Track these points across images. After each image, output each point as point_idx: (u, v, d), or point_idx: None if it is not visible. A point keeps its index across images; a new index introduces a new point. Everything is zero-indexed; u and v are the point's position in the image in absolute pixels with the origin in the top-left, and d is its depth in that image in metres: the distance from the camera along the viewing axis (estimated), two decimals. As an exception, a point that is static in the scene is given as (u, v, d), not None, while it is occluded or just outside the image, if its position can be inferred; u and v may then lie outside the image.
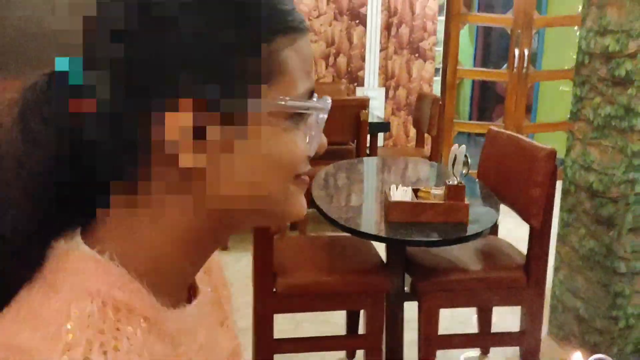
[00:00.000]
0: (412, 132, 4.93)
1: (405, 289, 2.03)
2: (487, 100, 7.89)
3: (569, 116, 2.51)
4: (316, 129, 0.50)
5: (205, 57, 0.42)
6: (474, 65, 7.44)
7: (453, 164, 1.66)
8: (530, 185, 1.94)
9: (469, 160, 1.68)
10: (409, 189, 1.71)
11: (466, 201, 1.68)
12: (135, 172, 0.44)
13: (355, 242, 2.17)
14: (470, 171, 1.78)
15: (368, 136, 3.76)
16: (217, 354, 0.56)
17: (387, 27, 5.06)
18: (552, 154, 1.90)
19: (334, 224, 1.70)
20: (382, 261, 2.03)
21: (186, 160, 0.43)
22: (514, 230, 2.75)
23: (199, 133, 0.43)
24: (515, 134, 2.21)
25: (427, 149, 4.16)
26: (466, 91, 7.70)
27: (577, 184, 2.42)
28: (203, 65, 0.42)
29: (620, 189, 2.16)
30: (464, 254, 2.10)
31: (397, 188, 1.72)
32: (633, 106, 2.11)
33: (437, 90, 5.21)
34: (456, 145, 1.69)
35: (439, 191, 1.71)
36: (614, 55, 2.18)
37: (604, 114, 2.25)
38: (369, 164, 2.54)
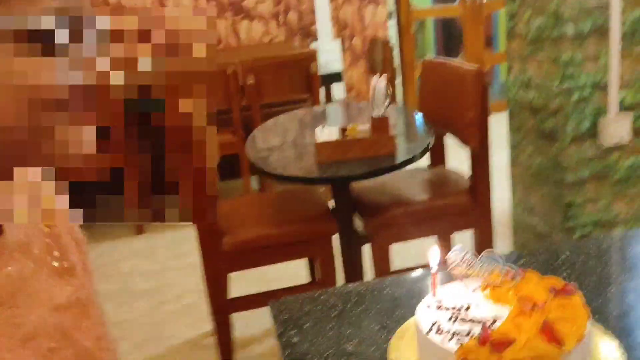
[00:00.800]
0: (372, 79, 4.86)
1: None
2: (451, 39, 7.78)
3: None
4: None
5: None
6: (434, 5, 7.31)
7: (373, 97, 1.63)
8: (464, 108, 1.92)
9: (389, 92, 1.65)
10: (335, 128, 1.68)
11: (392, 133, 1.65)
12: None
13: (301, 193, 2.15)
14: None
15: (323, 89, 3.71)
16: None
17: (332, -24, 4.94)
18: (480, 73, 1.87)
19: (264, 174, 1.67)
20: (328, 207, 2.02)
21: None
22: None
23: None
24: (445, 60, 2.18)
25: (386, 93, 4.11)
26: (429, 33, 7.59)
27: (520, 103, 2.40)
28: None
29: (557, 101, 2.14)
30: (411, 187, 2.10)
31: (323, 129, 1.69)
32: (561, 13, 2.06)
33: (393, 35, 5.12)
34: (376, 76, 1.65)
35: (366, 126, 1.68)
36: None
37: (535, 26, 2.21)
38: (310, 113, 2.51)
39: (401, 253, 2.23)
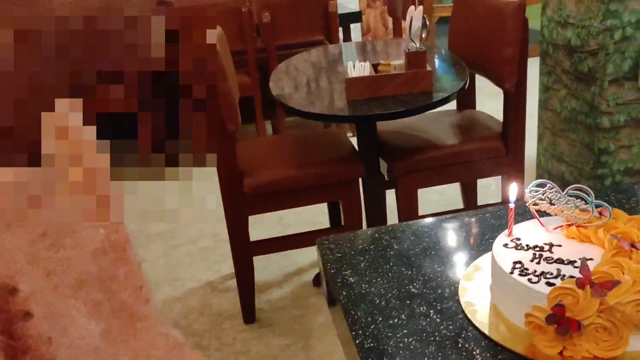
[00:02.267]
0: (391, 22, 4.67)
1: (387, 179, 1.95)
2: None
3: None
4: None
5: None
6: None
7: (410, 28, 1.51)
8: (501, 45, 1.80)
9: (427, 22, 1.53)
10: (367, 64, 1.58)
11: (429, 68, 1.55)
12: None
13: (326, 135, 2.07)
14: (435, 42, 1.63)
15: (340, 30, 3.55)
16: None
17: None
18: (521, 5, 1.74)
19: (292, 111, 1.58)
20: (354, 149, 1.94)
21: None
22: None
23: None
24: (481, -6, 2.03)
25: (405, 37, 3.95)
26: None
27: (554, 43, 2.26)
28: None
29: (598, 39, 2.01)
30: (438, 131, 2.00)
31: (354, 65, 1.58)
32: (608, -56, 1.91)
33: (411, -27, 4.88)
34: (412, 7, 1.53)
35: (400, 62, 1.57)
36: None
37: (577, -40, 2.05)
38: (334, 50, 2.38)
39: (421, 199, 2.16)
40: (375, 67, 1.60)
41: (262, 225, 2.41)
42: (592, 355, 0.54)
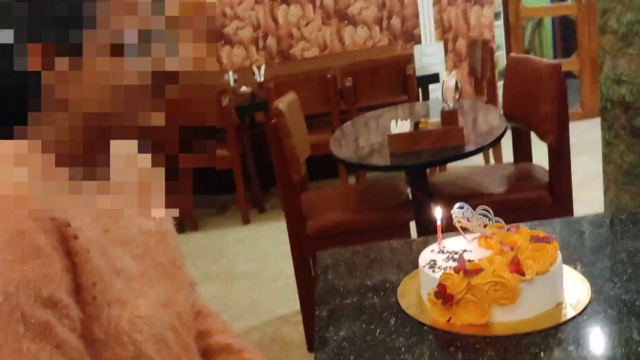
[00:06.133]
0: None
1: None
2: (569, 37, 7.44)
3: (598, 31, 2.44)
4: None
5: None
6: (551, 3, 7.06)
7: (443, 91, 1.76)
8: (541, 103, 1.97)
9: (459, 87, 1.76)
10: (408, 122, 1.83)
11: (461, 124, 1.77)
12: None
13: (384, 185, 2.32)
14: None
15: (420, 91, 3.82)
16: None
17: (436, -20, 5.02)
18: (556, 67, 1.91)
19: (342, 163, 1.86)
20: (408, 197, 2.16)
21: None
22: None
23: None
24: (527, 56, 2.22)
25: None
26: (547, 31, 7.32)
27: (611, 100, 2.36)
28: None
29: (647, 95, 2.10)
30: (488, 180, 2.17)
31: (396, 123, 1.85)
32: (650, 7, 2.03)
33: (500, 35, 5.07)
34: (446, 71, 1.78)
35: (436, 120, 1.81)
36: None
37: (626, 21, 2.18)
38: (397, 111, 2.66)
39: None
40: (416, 124, 1.85)
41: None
42: (468, 322, 0.73)
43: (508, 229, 0.82)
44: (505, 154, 3.50)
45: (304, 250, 2.14)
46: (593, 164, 2.50)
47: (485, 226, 0.83)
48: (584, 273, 0.83)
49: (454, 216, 0.86)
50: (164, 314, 0.67)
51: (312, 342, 2.25)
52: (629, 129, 2.26)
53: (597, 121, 2.51)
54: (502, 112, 2.28)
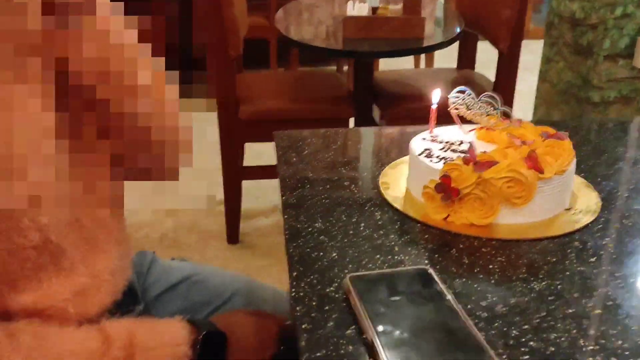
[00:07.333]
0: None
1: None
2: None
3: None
4: None
5: None
6: None
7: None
8: (501, 7, 1.86)
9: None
10: (366, 5, 1.66)
11: (423, 15, 1.62)
12: None
13: (323, 75, 2.15)
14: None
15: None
16: None
17: None
18: (523, -31, 1.79)
19: (290, 42, 1.67)
20: (349, 91, 2.03)
21: None
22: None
23: None
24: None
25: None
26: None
27: (561, 15, 2.31)
28: None
29: (599, 13, 2.06)
30: (431, 84, 2.08)
31: (354, 5, 1.66)
32: None
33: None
34: (414, -44, 1.60)
35: (398, 6, 1.65)
36: None
37: None
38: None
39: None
40: (374, 9, 1.68)
41: (257, 155, 2.52)
42: (469, 222, 0.65)
43: (510, 121, 0.72)
44: (437, 60, 3.43)
45: (234, 135, 1.97)
46: (532, 83, 2.50)
47: (487, 116, 0.73)
48: (586, 178, 0.76)
49: (451, 102, 0.74)
50: None
51: (232, 234, 2.15)
52: (573, 47, 2.24)
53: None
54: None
